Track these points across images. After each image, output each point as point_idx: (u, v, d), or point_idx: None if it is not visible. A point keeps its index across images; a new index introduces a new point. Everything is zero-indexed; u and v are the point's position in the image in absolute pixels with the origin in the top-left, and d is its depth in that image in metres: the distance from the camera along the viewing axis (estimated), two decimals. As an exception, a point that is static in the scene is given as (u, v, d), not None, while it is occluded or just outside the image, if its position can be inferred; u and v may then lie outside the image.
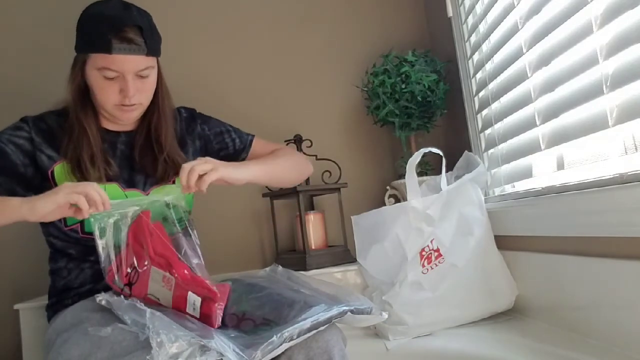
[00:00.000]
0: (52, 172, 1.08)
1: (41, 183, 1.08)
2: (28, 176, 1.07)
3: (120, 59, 1.02)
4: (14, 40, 1.67)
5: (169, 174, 1.16)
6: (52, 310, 1.12)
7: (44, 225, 1.14)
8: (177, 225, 1.00)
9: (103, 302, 0.91)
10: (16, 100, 1.60)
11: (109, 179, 1.10)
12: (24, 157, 1.07)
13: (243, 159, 1.30)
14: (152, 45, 1.07)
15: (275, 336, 0.80)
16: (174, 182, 1.18)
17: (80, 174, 1.07)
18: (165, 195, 1.05)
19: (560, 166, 1.15)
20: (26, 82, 1.64)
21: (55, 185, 1.07)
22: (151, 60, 1.09)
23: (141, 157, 1.16)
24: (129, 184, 1.13)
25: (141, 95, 1.09)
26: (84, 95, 1.10)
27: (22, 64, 1.66)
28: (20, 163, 1.06)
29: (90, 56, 1.05)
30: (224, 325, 0.92)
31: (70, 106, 1.11)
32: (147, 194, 1.14)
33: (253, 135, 1.34)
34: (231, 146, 1.30)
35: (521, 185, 1.33)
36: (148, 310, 0.79)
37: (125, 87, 1.05)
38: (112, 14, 1.03)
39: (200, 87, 1.74)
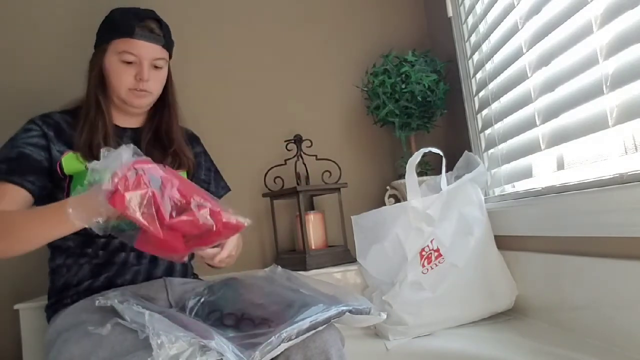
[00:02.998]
0: (61, 163, 1.12)
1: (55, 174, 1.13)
2: (53, 168, 1.11)
3: (140, 44, 1.13)
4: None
5: (175, 166, 1.23)
6: (52, 310, 1.12)
7: None
8: None
9: (101, 302, 0.90)
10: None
11: None
12: (44, 153, 1.11)
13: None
14: (168, 39, 1.19)
15: (273, 337, 0.80)
16: None
17: (91, 157, 1.10)
18: None
19: (560, 166, 1.15)
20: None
21: (64, 175, 1.12)
22: (165, 54, 1.19)
23: (148, 151, 1.20)
24: None
25: (154, 84, 1.18)
26: (102, 83, 1.18)
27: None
28: (43, 159, 1.11)
29: (112, 42, 1.14)
30: (223, 325, 0.92)
31: (86, 95, 1.18)
32: None
33: (226, 191, 1.39)
34: (211, 186, 1.35)
35: (521, 185, 1.33)
36: (147, 312, 0.79)
37: (141, 71, 1.14)
38: (137, 10, 1.18)
39: (200, 87, 1.74)
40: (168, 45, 1.19)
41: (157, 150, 1.22)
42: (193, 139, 1.36)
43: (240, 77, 1.78)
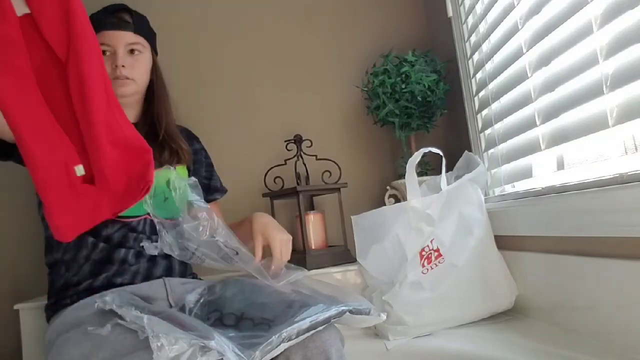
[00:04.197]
0: None
1: None
2: None
3: (111, 34, 1.17)
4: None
5: (173, 159, 1.24)
6: (52, 310, 1.12)
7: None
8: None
9: (100, 305, 0.90)
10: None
11: None
12: None
13: (215, 199, 1.39)
14: (140, 26, 1.21)
15: (274, 336, 0.80)
16: (175, 169, 1.23)
17: None
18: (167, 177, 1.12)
19: (560, 166, 1.15)
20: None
21: None
22: (140, 39, 1.21)
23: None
24: None
25: (132, 71, 1.19)
26: None
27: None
28: None
29: None
30: (222, 325, 0.92)
31: None
32: None
33: (225, 192, 1.43)
34: (213, 181, 1.39)
35: (521, 185, 1.33)
36: (145, 316, 0.79)
37: (115, 58, 1.17)
38: (109, 6, 1.21)
39: (200, 87, 1.74)
40: (142, 31, 1.21)
41: (154, 144, 1.21)
42: (192, 137, 1.37)
43: (240, 77, 1.78)
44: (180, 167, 1.26)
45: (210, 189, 1.37)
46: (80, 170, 0.88)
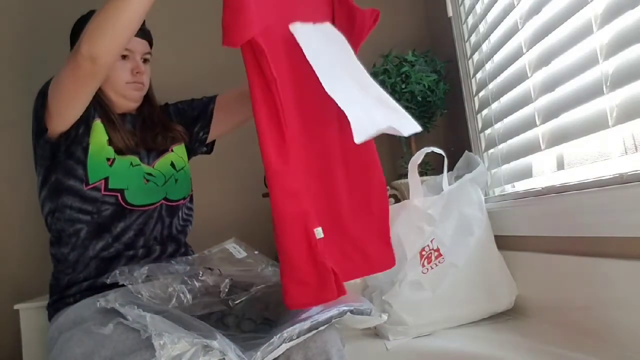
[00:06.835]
0: (92, 126, 1.14)
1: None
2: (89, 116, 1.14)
3: (134, 40, 1.19)
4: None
5: (167, 143, 1.27)
6: (53, 308, 1.11)
7: (56, 196, 1.13)
8: None
9: (102, 304, 0.90)
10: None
11: (131, 150, 1.18)
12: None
13: (212, 110, 1.37)
14: (150, 36, 1.28)
15: (275, 337, 0.80)
16: (172, 151, 1.27)
17: (111, 124, 1.17)
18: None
19: (560, 166, 1.15)
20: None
21: (88, 137, 1.13)
22: (150, 49, 1.27)
23: (143, 134, 1.25)
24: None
25: (146, 77, 1.25)
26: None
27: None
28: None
29: None
30: (224, 326, 0.92)
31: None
32: (153, 167, 1.21)
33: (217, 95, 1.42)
34: (197, 102, 1.38)
35: (521, 185, 1.33)
36: (148, 314, 0.79)
37: (137, 65, 1.21)
38: None
39: (201, 87, 1.74)
40: (151, 42, 1.28)
41: (149, 133, 1.26)
42: (165, 110, 1.37)
43: (240, 76, 1.78)
44: (179, 146, 1.29)
45: (204, 106, 1.37)
46: (319, 232, 0.83)
